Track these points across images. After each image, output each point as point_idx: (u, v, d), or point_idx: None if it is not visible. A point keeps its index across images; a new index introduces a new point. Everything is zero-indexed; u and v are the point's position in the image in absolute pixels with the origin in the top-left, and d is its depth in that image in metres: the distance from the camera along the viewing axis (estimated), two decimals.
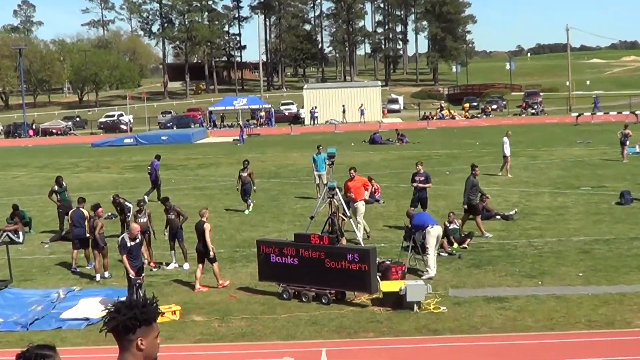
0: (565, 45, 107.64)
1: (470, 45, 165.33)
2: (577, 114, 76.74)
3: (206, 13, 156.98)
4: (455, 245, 22.63)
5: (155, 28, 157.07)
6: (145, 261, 19.46)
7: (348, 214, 22.01)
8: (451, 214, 23.93)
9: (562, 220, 26.33)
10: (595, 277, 18.94)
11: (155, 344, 4.63)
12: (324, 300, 17.49)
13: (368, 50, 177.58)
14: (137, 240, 17.99)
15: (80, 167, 51.76)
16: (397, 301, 16.87)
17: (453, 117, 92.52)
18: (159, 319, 4.71)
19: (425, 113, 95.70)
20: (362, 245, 20.58)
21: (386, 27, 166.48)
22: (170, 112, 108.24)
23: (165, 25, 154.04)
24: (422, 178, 25.97)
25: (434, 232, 19.90)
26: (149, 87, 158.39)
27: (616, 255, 21.08)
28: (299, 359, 14.01)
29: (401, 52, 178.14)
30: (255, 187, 30.56)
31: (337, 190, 21.53)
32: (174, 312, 16.82)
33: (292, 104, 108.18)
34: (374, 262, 17.52)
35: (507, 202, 30.06)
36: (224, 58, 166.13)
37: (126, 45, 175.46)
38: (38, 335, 16.05)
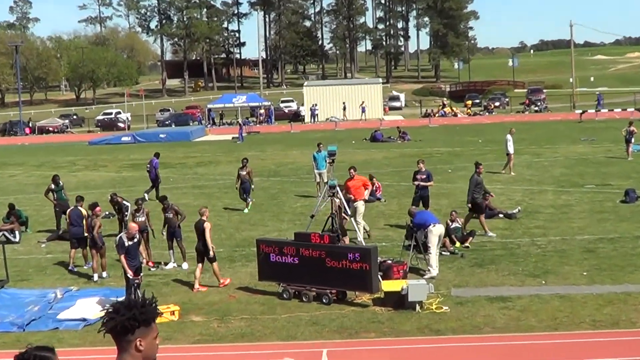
0: (569, 41, 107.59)
1: (472, 41, 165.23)
2: (581, 111, 76.72)
3: (205, 9, 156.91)
4: (458, 244, 22.62)
5: (153, 24, 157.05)
6: (144, 261, 19.44)
7: (349, 213, 21.99)
8: (453, 212, 23.92)
9: (566, 218, 26.32)
10: (599, 276, 18.93)
11: (154, 345, 4.63)
12: (324, 300, 17.49)
13: (369, 46, 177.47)
14: (135, 240, 17.98)
15: (77, 166, 51.76)
16: (398, 301, 16.87)
17: (455, 115, 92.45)
18: (158, 320, 4.70)
19: (427, 110, 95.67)
20: (363, 244, 20.56)
21: (387, 23, 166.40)
22: (169, 110, 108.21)
23: (164, 21, 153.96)
24: (424, 176, 25.95)
25: (436, 231, 19.88)
26: (147, 85, 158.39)
27: (621, 254, 21.06)
28: None
29: (402, 48, 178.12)
30: (253, 186, 30.56)
31: (337, 188, 21.52)
32: (172, 313, 16.81)
33: (292, 101, 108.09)
34: (375, 261, 17.51)
35: (510, 200, 30.05)
36: (223, 55, 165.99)
37: (124, 42, 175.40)
38: (34, 336, 16.04)
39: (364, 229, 23.96)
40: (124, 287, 18.03)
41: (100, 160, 54.71)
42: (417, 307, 16.63)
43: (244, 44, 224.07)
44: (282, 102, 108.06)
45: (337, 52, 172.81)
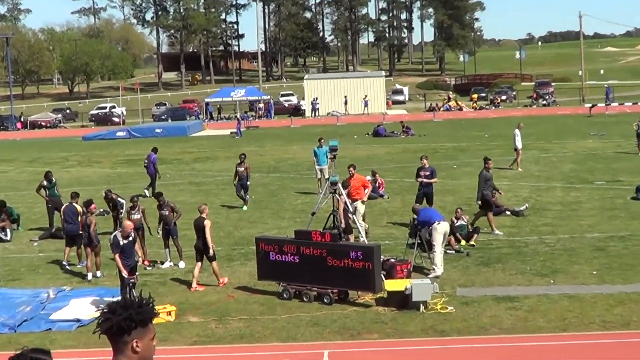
0: (578, 33, 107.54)
1: (478, 33, 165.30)
2: (590, 105, 76.66)
3: (202, 0, 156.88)
4: (463, 242, 22.62)
5: (149, 16, 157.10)
6: (139, 259, 19.44)
7: (351, 210, 21.98)
8: (459, 209, 23.92)
9: (575, 216, 26.32)
10: (610, 275, 18.92)
11: (151, 346, 4.61)
12: (326, 300, 17.49)
13: (371, 38, 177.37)
14: (130, 238, 17.98)
15: (70, 162, 51.77)
16: (402, 301, 16.87)
17: (460, 109, 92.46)
18: (154, 320, 4.69)
19: (431, 104, 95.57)
20: (366, 242, 20.54)
21: (390, 14, 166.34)
22: (165, 104, 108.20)
23: (160, 13, 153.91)
24: (428, 173, 25.92)
25: (441, 229, 19.88)
26: (142, 78, 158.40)
27: (632, 252, 21.06)
28: None
29: (406, 40, 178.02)
30: (249, 182, 30.53)
31: (339, 185, 21.51)
32: (169, 313, 16.81)
33: (292, 95, 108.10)
34: (378, 260, 17.52)
35: (518, 197, 30.04)
36: (221, 47, 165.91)
37: (118, 34, 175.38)
38: (26, 337, 16.06)
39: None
40: (119, 286, 18.03)
41: (94, 156, 54.72)
42: (422, 307, 16.63)
43: (242, 36, 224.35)
44: (282, 96, 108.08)
45: (339, 44, 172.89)
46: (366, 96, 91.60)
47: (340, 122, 77.94)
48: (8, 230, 27.00)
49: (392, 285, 17.46)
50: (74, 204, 22.76)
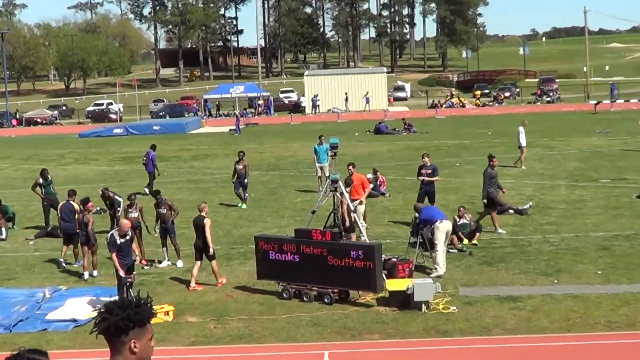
0: (583, 28, 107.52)
1: (481, 28, 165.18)
2: (595, 102, 76.62)
3: None
4: (466, 241, 22.62)
5: (146, 11, 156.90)
6: (137, 259, 19.45)
7: (352, 209, 21.97)
8: (461, 208, 23.92)
9: (579, 214, 26.32)
10: (615, 275, 18.93)
11: (149, 347, 4.61)
12: (326, 300, 17.49)
13: (373, 34, 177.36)
14: (128, 237, 17.98)
15: (66, 159, 51.76)
16: (404, 301, 16.87)
17: (463, 106, 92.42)
18: (152, 320, 4.69)
19: (433, 101, 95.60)
20: (367, 241, 20.54)
21: (392, 9, 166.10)
22: (163, 101, 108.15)
23: (157, 8, 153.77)
24: (429, 171, 25.91)
25: (443, 228, 19.88)
26: (140, 74, 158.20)
27: (637, 251, 21.06)
28: None
29: (408, 36, 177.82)
30: (246, 180, 30.50)
31: (340, 183, 21.51)
32: (167, 313, 16.82)
33: (292, 91, 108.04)
34: (380, 259, 17.51)
35: (521, 195, 30.03)
36: (220, 43, 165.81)
37: (116, 30, 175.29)
38: (22, 337, 16.06)
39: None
40: (116, 286, 18.03)
41: (90, 154, 54.71)
42: (423, 307, 16.64)
43: (241, 31, 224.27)
44: (282, 92, 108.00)
45: (340, 40, 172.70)
46: (367, 93, 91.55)
47: (341, 119, 77.92)
48: (3, 228, 27.01)
49: (393, 284, 17.46)
50: (71, 202, 22.76)
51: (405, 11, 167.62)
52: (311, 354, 14.65)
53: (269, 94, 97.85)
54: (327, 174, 28.16)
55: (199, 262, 19.46)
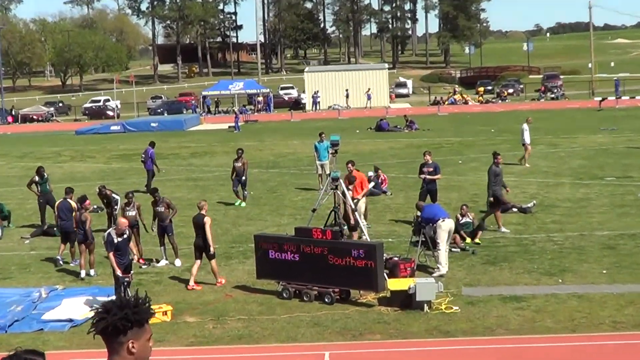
0: (588, 24, 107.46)
1: (484, 24, 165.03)
2: (600, 99, 76.63)
3: None
4: (468, 240, 22.60)
5: (144, 6, 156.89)
6: (134, 258, 19.45)
7: (354, 207, 21.98)
8: (464, 206, 23.91)
9: (584, 213, 26.31)
10: (620, 274, 18.92)
11: (147, 347, 4.61)
12: (326, 300, 17.49)
13: (374, 30, 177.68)
14: (125, 236, 17.97)
15: (63, 157, 51.76)
16: (405, 301, 16.87)
17: (466, 102, 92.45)
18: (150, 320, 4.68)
19: (435, 98, 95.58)
20: (368, 240, 20.54)
21: (394, 4, 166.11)
22: (161, 97, 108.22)
23: (155, 3, 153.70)
24: (431, 169, 25.88)
25: (445, 226, 19.86)
26: (137, 70, 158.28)
27: None
28: None
29: (410, 32, 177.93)
30: (244, 177, 30.47)
31: (340, 181, 21.51)
32: (164, 313, 16.81)
33: (292, 88, 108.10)
34: (381, 258, 17.51)
35: (525, 193, 30.03)
36: (219, 39, 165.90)
37: (113, 25, 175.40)
38: (17, 338, 16.06)
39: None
40: (113, 285, 18.03)
41: (87, 151, 54.70)
42: (426, 307, 16.63)
43: (241, 27, 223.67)
44: (282, 89, 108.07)
45: (340, 35, 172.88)
46: (369, 89, 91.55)
47: (341, 116, 77.93)
48: None
49: (395, 284, 17.46)
50: (68, 200, 22.75)
51: (407, 6, 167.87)
52: (312, 355, 14.65)
53: (268, 90, 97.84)
54: (328, 172, 28.15)
55: (198, 261, 19.45)
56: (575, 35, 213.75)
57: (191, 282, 19.27)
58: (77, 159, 50.13)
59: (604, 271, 19.22)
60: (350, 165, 24.54)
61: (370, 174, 31.54)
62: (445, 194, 28.75)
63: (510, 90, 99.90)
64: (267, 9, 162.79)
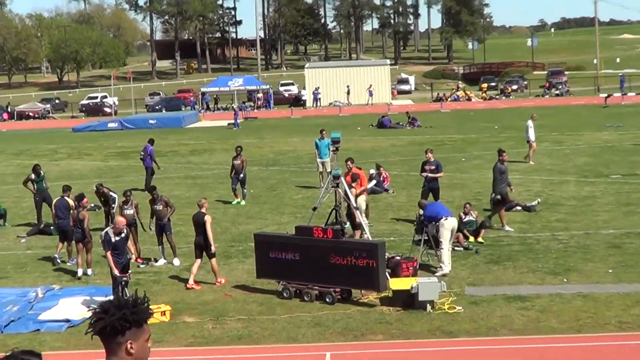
0: (593, 19, 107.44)
1: (488, 19, 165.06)
2: (605, 95, 76.60)
3: None
4: (472, 239, 22.60)
5: (142, 1, 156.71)
6: (132, 257, 19.45)
7: (355, 205, 21.98)
8: (467, 204, 23.91)
9: (589, 211, 26.30)
10: (626, 274, 18.92)
11: (146, 348, 4.61)
12: (328, 300, 17.49)
13: (376, 25, 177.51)
14: (123, 235, 17.96)
15: (59, 154, 51.78)
16: (408, 300, 16.87)
17: (469, 99, 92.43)
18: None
19: (438, 94, 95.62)
20: (370, 239, 20.54)
21: None
22: (159, 94, 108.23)
23: None
24: (433, 167, 25.86)
25: (448, 225, 19.86)
26: (135, 67, 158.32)
27: None
28: None
29: (412, 27, 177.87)
30: (242, 175, 30.46)
31: (342, 178, 21.51)
32: (163, 313, 16.82)
33: (292, 84, 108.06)
34: (383, 257, 17.51)
35: (529, 191, 30.03)
36: (218, 34, 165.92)
37: (110, 20, 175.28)
38: (14, 338, 16.06)
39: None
40: (111, 285, 18.02)
41: (84, 148, 54.72)
42: (428, 307, 16.63)
43: (240, 22, 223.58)
44: (282, 85, 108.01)
45: (341, 31, 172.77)
46: (371, 86, 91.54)
47: (343, 113, 77.92)
48: None
49: (397, 284, 17.47)
50: (66, 198, 22.74)
51: (409, 1, 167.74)
52: (312, 355, 14.65)
53: (268, 87, 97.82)
54: (329, 170, 28.15)
55: (199, 260, 19.45)
56: (580, 30, 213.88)
57: (190, 281, 19.28)
58: (73, 157, 50.15)
59: (610, 270, 19.22)
60: (349, 162, 24.54)
61: (372, 171, 31.56)
62: (448, 192, 28.75)
63: (514, 87, 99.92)
64: (266, 4, 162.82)
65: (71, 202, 22.34)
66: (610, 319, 15.77)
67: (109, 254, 17.67)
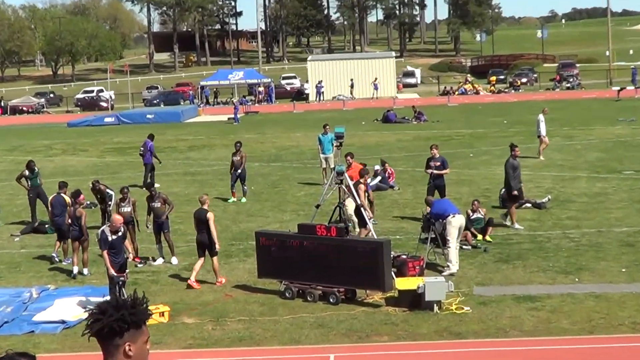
0: (605, 9, 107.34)
1: (496, 10, 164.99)
2: (618, 88, 76.49)
3: None
4: (480, 237, 22.59)
5: None
6: (129, 256, 19.46)
7: (359, 202, 21.96)
8: (475, 201, 23.90)
9: (602, 208, 26.29)
10: None
11: (144, 350, 4.61)
12: (331, 300, 17.50)
13: (380, 16, 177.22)
14: (120, 233, 17.97)
15: (54, 150, 51.80)
16: (414, 301, 16.87)
17: (477, 92, 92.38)
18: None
19: (445, 87, 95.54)
20: (375, 237, 20.54)
21: None
22: (157, 88, 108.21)
23: None
24: (438, 163, 25.85)
25: (456, 222, 19.85)
26: (132, 59, 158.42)
27: None
28: None
29: (418, 18, 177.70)
30: (240, 171, 30.44)
31: (346, 175, 21.51)
32: (162, 314, 16.82)
33: (294, 77, 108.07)
34: (388, 256, 17.52)
35: (539, 188, 30.01)
36: (218, 26, 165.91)
37: (106, 12, 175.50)
38: (7, 340, 16.08)
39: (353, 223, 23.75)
40: (108, 285, 18.03)
41: (80, 144, 54.74)
42: (435, 308, 16.63)
43: (240, 13, 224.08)
44: (284, 78, 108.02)
45: (345, 22, 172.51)
46: (376, 79, 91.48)
47: (346, 107, 77.91)
48: None
49: (403, 283, 17.47)
50: (62, 195, 22.74)
51: None
52: (316, 358, 14.66)
53: (269, 80, 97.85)
54: (332, 166, 28.15)
55: (202, 259, 19.45)
56: (592, 21, 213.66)
57: (192, 278, 19.25)
58: (69, 153, 50.17)
59: (623, 269, 19.21)
60: (349, 157, 24.55)
61: (377, 167, 31.56)
62: (455, 189, 28.74)
63: (524, 80, 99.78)
64: None
65: (67, 199, 22.35)
66: (623, 319, 15.76)
67: (105, 253, 17.67)
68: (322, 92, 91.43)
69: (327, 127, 32.91)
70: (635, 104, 66.66)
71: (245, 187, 30.67)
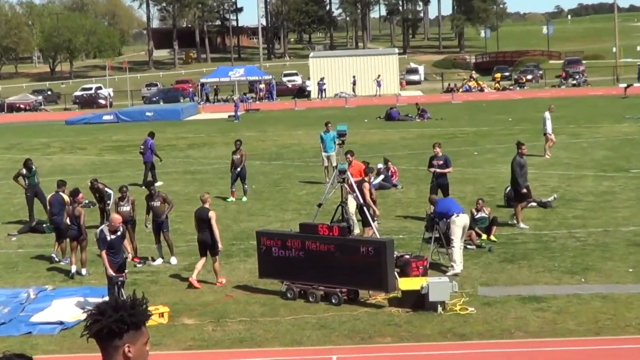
0: (612, 5, 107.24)
1: (501, 6, 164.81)
2: (625, 85, 76.52)
3: None
4: (484, 236, 22.58)
5: None
6: (128, 256, 19.46)
7: (362, 201, 21.96)
8: (480, 200, 23.88)
9: (608, 207, 26.27)
10: None
11: (144, 351, 4.61)
12: (333, 300, 17.49)
13: (383, 12, 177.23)
14: (119, 233, 17.96)
15: (52, 148, 51.83)
16: (418, 301, 16.87)
17: (481, 89, 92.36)
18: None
19: (449, 85, 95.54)
20: (378, 236, 20.53)
21: None
22: (156, 85, 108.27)
23: None
24: (441, 162, 25.84)
25: (460, 222, 19.84)
26: (131, 56, 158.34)
27: None
28: None
29: (421, 14, 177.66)
30: (239, 169, 30.44)
31: (348, 173, 21.50)
32: (161, 315, 16.82)
33: (296, 74, 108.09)
34: (392, 256, 17.51)
35: (545, 187, 30.00)
36: (218, 22, 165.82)
37: (104, 8, 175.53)
38: (4, 342, 16.07)
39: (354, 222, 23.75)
40: (106, 286, 18.02)
41: (78, 142, 54.76)
42: (439, 308, 16.63)
43: (241, 9, 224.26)
44: (285, 75, 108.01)
45: (347, 18, 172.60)
46: (379, 76, 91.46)
47: (349, 105, 77.91)
48: None
49: (406, 284, 17.46)
50: (61, 194, 22.73)
51: None
52: (318, 359, 14.65)
53: (271, 77, 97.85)
54: (334, 164, 28.15)
55: (204, 258, 19.45)
56: (598, 17, 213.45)
57: (194, 276, 19.23)
58: (67, 151, 50.19)
59: (630, 270, 19.20)
60: (349, 155, 24.54)
61: (380, 166, 31.55)
62: (459, 188, 28.74)
63: (529, 77, 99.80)
64: None
65: (66, 198, 22.34)
66: (630, 320, 15.74)
67: (103, 253, 17.65)
68: (324, 90, 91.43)
69: (329, 124, 32.90)
70: None
71: (246, 186, 30.68)
